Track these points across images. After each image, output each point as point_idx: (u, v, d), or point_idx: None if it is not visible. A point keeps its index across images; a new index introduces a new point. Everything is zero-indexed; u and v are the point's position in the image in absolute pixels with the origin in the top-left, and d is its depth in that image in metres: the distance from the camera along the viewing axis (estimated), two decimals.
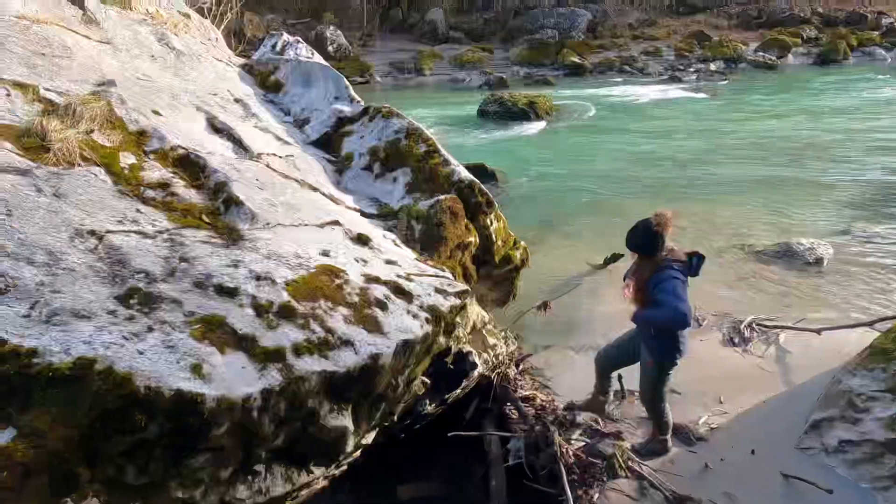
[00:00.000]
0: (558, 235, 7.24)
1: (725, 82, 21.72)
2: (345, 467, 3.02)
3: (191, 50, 4.80)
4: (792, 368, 4.49)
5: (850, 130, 13.09)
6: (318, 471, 2.54)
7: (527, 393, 4.13)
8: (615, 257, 6.40)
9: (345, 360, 2.39)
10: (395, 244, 3.61)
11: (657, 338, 3.40)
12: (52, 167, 2.64)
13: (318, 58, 6.03)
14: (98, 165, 2.84)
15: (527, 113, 15.08)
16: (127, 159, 3.02)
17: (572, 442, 3.57)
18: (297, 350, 2.27)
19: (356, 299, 2.70)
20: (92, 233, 2.36)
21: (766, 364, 4.56)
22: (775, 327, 5.00)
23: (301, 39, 6.46)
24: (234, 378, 2.01)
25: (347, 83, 5.08)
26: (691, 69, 24.84)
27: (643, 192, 9.14)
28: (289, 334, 2.30)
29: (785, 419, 3.90)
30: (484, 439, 3.81)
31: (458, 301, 3.17)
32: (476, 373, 3.81)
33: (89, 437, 1.68)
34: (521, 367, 4.49)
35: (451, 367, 3.57)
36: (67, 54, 3.60)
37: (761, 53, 26.65)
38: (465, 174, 4.11)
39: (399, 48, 30.32)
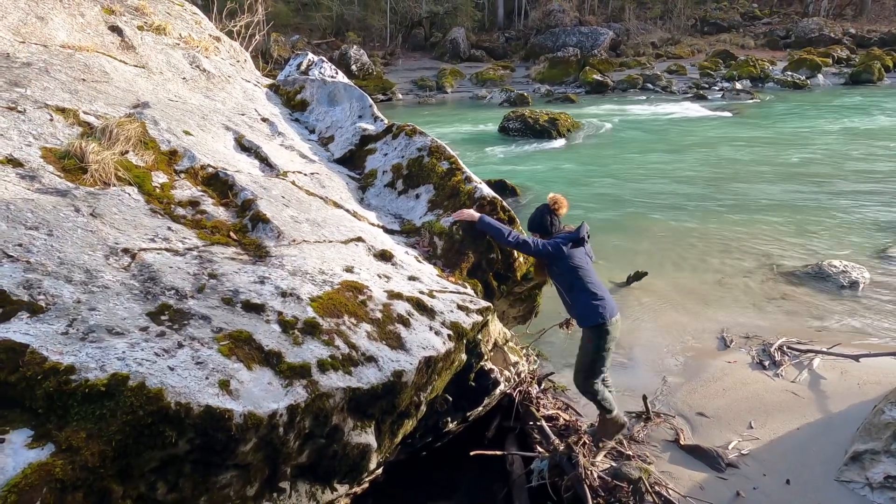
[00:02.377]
0: None
1: (752, 101, 21.46)
2: (366, 485, 3.02)
3: (220, 71, 4.95)
4: (828, 395, 4.34)
5: (884, 152, 12.81)
6: (342, 489, 2.54)
7: (550, 412, 4.09)
8: (639, 275, 6.34)
9: (368, 377, 2.40)
10: (418, 260, 3.63)
11: (574, 306, 3.48)
12: (90, 187, 2.73)
13: (342, 77, 6.15)
14: (131, 185, 2.93)
15: (548, 130, 15.11)
16: (159, 178, 3.11)
17: (597, 464, 3.51)
18: (322, 366, 2.29)
19: (379, 315, 2.72)
20: (126, 251, 2.43)
21: (798, 389, 4.42)
22: (808, 351, 4.85)
23: (325, 59, 6.62)
24: (260, 394, 2.03)
25: (371, 102, 5.17)
26: (716, 88, 24.66)
27: (666, 211, 9.05)
28: (314, 350, 2.33)
29: (821, 449, 3.76)
30: (506, 458, 3.77)
31: (480, 318, 3.17)
32: (498, 390, 3.79)
33: (122, 452, 1.71)
34: (543, 385, 4.46)
35: (473, 384, 3.56)
36: (106, 79, 3.74)
37: (790, 73, 26.28)
38: (488, 191, 4.13)
39: (421, 66, 30.77)
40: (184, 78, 4.51)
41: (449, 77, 27.53)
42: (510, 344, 3.96)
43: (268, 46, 23.52)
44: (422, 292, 3.09)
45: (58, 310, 1.96)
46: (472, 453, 3.52)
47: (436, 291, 3.19)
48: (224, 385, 1.96)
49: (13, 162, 2.61)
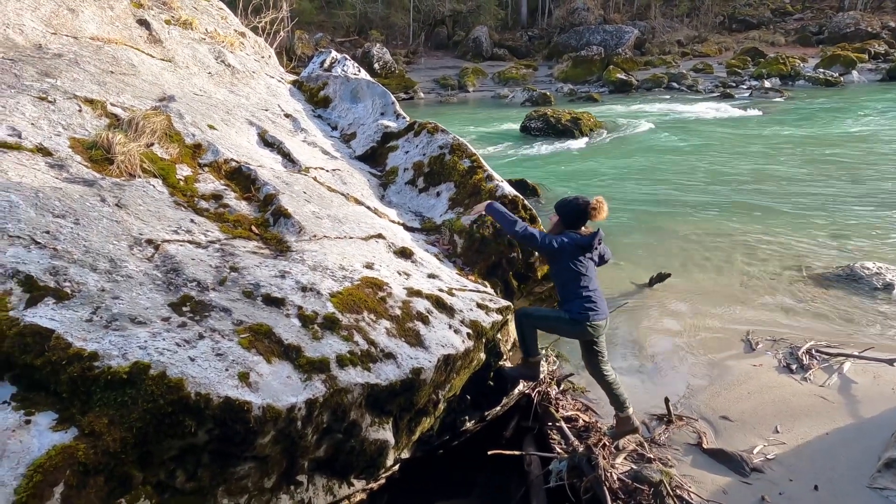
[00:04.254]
0: None
1: (781, 99, 20.98)
2: (383, 481, 3.01)
3: (245, 67, 4.99)
4: (859, 400, 4.19)
5: None
6: (359, 484, 2.53)
7: (569, 413, 4.04)
8: (662, 276, 6.23)
9: (387, 374, 2.39)
10: (437, 258, 3.61)
11: (564, 304, 3.45)
12: (116, 178, 2.77)
13: (364, 74, 6.17)
14: (156, 177, 2.97)
15: (570, 129, 14.96)
16: (183, 171, 3.15)
17: (617, 466, 3.45)
18: (341, 361, 2.28)
19: (398, 312, 2.71)
20: (149, 242, 2.46)
21: (828, 394, 4.29)
22: (839, 355, 4.70)
23: (348, 57, 6.64)
24: (279, 387, 2.03)
25: (393, 99, 5.17)
26: (744, 86, 24.20)
27: (690, 212, 8.89)
28: (333, 345, 2.32)
29: (852, 454, 3.64)
30: (524, 459, 3.73)
31: (499, 317, 3.15)
32: (516, 390, 3.76)
33: (142, 439, 1.73)
34: (562, 386, 4.41)
35: (491, 383, 3.53)
36: (133, 72, 3.80)
37: (822, 70, 25.58)
38: (509, 189, 4.09)
39: (443, 65, 30.77)
40: (209, 72, 4.56)
41: (471, 76, 27.47)
42: None
43: (292, 44, 23.75)
44: (441, 290, 3.07)
45: (83, 297, 1.99)
46: (489, 452, 3.49)
47: (455, 290, 3.17)
48: (243, 377, 1.97)
49: (43, 151, 2.66)
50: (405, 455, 2.93)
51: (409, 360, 2.50)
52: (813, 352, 4.75)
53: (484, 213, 3.64)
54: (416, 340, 2.63)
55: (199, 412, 1.80)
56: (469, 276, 3.56)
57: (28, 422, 1.63)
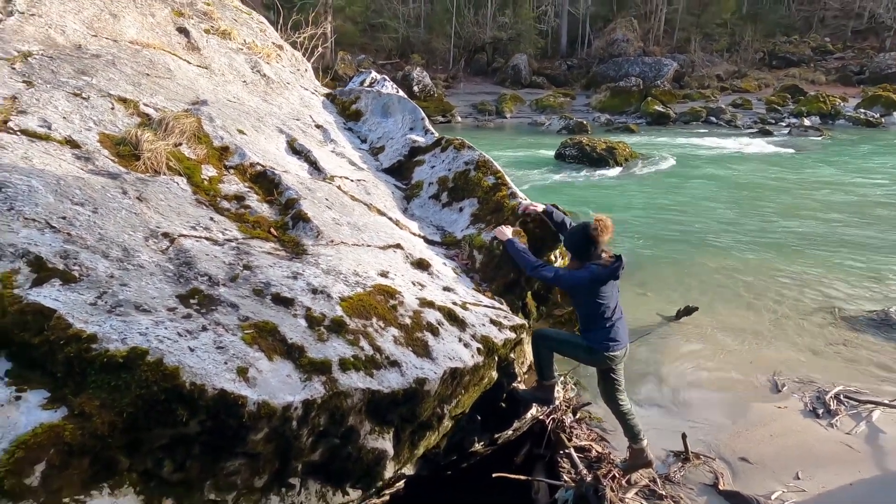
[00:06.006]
0: (629, 283, 6.93)
1: (820, 138, 20.50)
2: (386, 497, 2.94)
3: (280, 78, 5.11)
4: (888, 451, 3.97)
5: None
6: (354, 494, 2.47)
7: (583, 443, 3.90)
8: (689, 310, 6.06)
9: (390, 381, 2.34)
10: (455, 272, 3.57)
11: (584, 332, 3.37)
12: (140, 174, 2.83)
13: (399, 92, 6.25)
14: (181, 175, 3.02)
15: (605, 158, 14.85)
16: (208, 171, 3.21)
17: (626, 500, 3.30)
18: (344, 365, 2.25)
19: (408, 321, 2.67)
20: (166, 235, 2.49)
21: (854, 442, 4.06)
22: (868, 402, 4.46)
23: (388, 78, 6.76)
24: (277, 385, 2.01)
25: (424, 115, 5.20)
26: (783, 123, 23.74)
27: (722, 246, 8.66)
28: (337, 348, 2.29)
29: None
30: (532, 486, 3.61)
31: (513, 335, 3.07)
32: (529, 414, 3.65)
33: (132, 425, 1.72)
34: (577, 414, 4.27)
35: (503, 404, 3.44)
36: (168, 76, 3.92)
37: (863, 110, 24.99)
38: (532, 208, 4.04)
39: (482, 91, 31.12)
40: (244, 81, 4.68)
41: (509, 102, 27.67)
42: None
43: (334, 64, 24.43)
44: (455, 303, 3.03)
45: (90, 281, 2.01)
46: (494, 475, 3.38)
47: (469, 304, 3.12)
48: (242, 372, 1.95)
49: (71, 143, 2.74)
50: (409, 471, 2.86)
51: (414, 370, 2.45)
52: (841, 397, 4.52)
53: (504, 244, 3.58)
54: (424, 351, 2.58)
55: (193, 402, 1.78)
56: (485, 293, 3.50)
57: (18, 398, 1.63)
